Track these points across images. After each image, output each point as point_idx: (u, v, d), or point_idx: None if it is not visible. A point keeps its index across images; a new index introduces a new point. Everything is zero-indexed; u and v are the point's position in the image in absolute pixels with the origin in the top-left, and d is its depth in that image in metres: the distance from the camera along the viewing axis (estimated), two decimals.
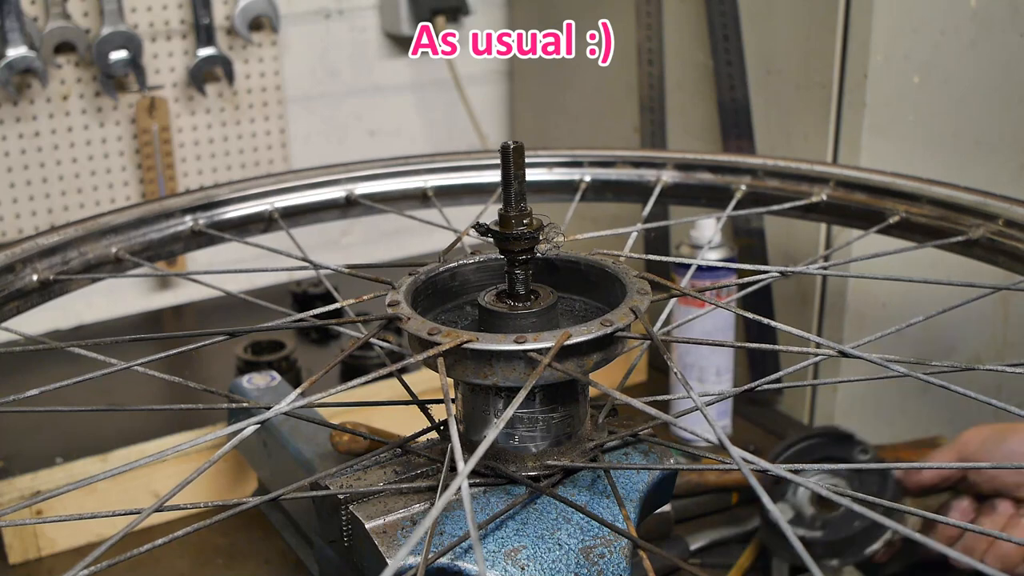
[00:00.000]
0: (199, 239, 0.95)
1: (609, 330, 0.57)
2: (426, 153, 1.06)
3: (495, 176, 1.03)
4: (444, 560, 0.55)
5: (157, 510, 0.50)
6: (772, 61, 1.26)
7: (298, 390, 0.55)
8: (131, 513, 0.54)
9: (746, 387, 0.66)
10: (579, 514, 0.59)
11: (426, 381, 1.11)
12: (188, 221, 0.94)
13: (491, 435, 0.48)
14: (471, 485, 0.60)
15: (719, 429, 0.50)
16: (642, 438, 0.65)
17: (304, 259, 0.84)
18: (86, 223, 0.88)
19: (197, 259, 1.62)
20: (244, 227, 0.97)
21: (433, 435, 0.65)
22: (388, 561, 0.56)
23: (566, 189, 1.04)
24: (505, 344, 0.56)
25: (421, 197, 1.03)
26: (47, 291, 0.84)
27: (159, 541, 0.50)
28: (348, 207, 1.01)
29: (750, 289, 0.77)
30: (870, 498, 0.49)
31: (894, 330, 0.68)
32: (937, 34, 1.16)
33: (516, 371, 0.57)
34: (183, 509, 0.53)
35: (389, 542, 0.57)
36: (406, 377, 0.62)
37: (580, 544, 0.58)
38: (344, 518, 0.59)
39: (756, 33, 1.28)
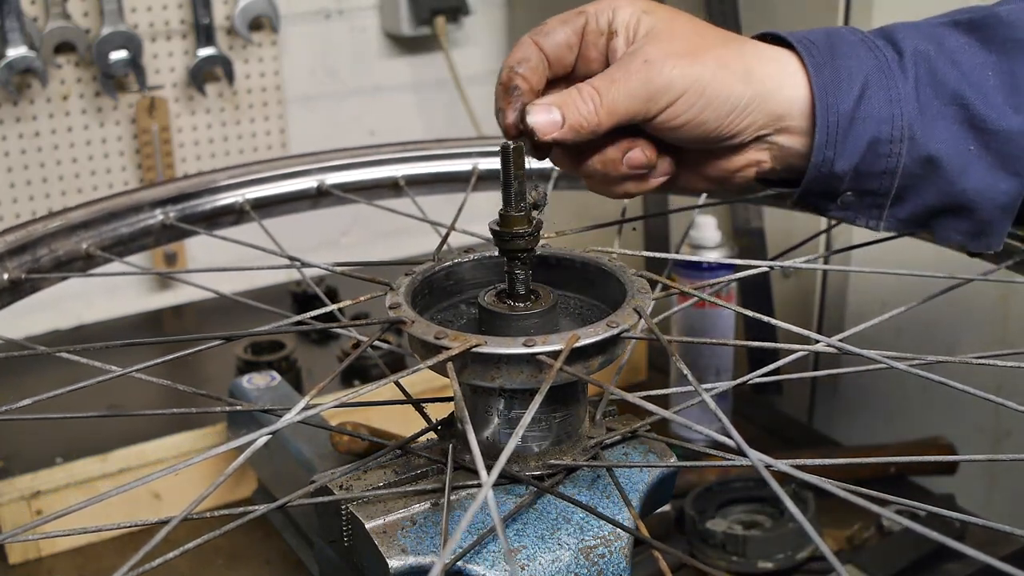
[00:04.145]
0: (170, 233, 0.93)
1: (616, 331, 0.57)
2: (397, 142, 1.05)
3: (467, 164, 1.03)
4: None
5: (188, 519, 0.49)
6: None
7: (307, 398, 0.54)
8: (134, 526, 0.54)
9: (744, 378, 0.66)
10: (579, 514, 0.59)
11: (424, 381, 1.11)
12: (159, 215, 0.92)
13: (511, 443, 0.48)
14: (479, 486, 0.60)
15: (728, 424, 0.50)
16: (641, 436, 0.65)
17: (289, 257, 0.83)
18: (54, 218, 0.86)
19: (197, 259, 1.62)
20: (215, 220, 0.96)
21: (431, 435, 0.65)
22: (389, 561, 0.56)
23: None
24: (515, 348, 0.56)
25: (393, 187, 1.02)
26: (18, 290, 0.82)
27: (171, 554, 0.49)
28: (319, 197, 1.00)
29: (734, 278, 0.76)
30: (859, 489, 0.49)
31: (876, 321, 0.68)
32: None
33: (523, 373, 0.57)
34: (192, 520, 0.52)
35: (389, 542, 0.57)
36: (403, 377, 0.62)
37: (580, 544, 0.58)
38: (344, 518, 0.59)
39: (756, 30, 1.27)
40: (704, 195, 0.94)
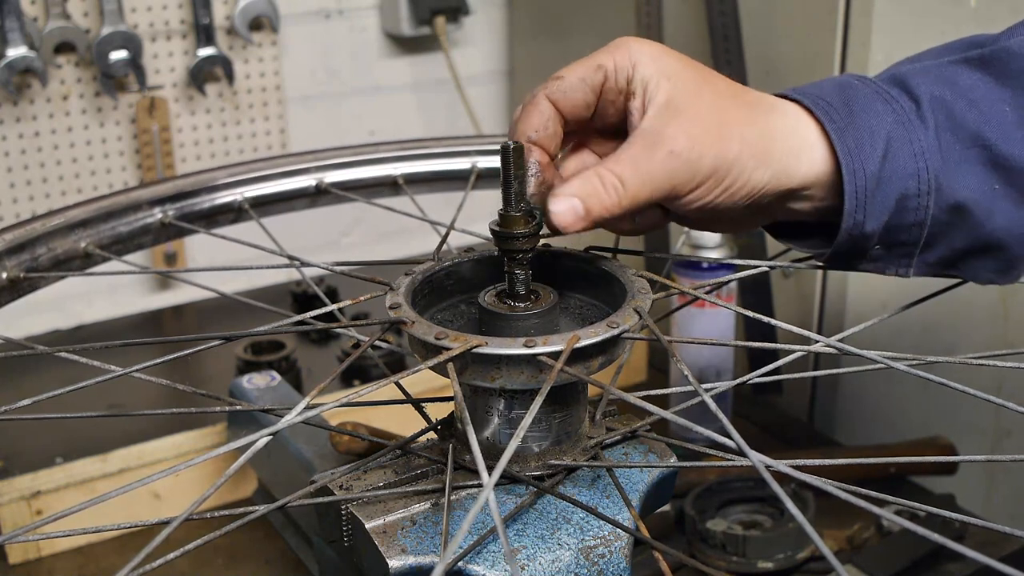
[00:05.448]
0: (168, 231, 0.93)
1: (616, 332, 0.57)
2: (396, 140, 1.05)
3: (466, 163, 1.03)
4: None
5: (188, 520, 0.49)
6: (772, 61, 1.26)
7: (307, 399, 0.54)
8: (134, 526, 0.53)
9: (744, 378, 0.66)
10: (579, 514, 0.59)
11: (424, 381, 1.11)
12: (157, 213, 0.92)
13: (513, 444, 0.48)
14: (480, 486, 0.60)
15: (728, 424, 0.50)
16: (641, 436, 0.65)
17: (289, 257, 0.83)
18: (52, 217, 0.86)
19: (197, 259, 1.62)
20: (214, 218, 0.96)
21: (431, 435, 0.65)
22: (389, 561, 0.56)
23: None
24: (515, 348, 0.56)
25: (391, 185, 1.02)
26: (16, 289, 0.82)
27: (172, 555, 0.49)
28: (318, 196, 1.00)
29: (734, 278, 0.76)
30: (859, 489, 0.49)
31: (876, 321, 0.68)
32: (937, 34, 1.16)
33: (523, 374, 0.57)
34: (193, 520, 0.52)
35: (389, 542, 0.57)
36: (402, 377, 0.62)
37: (580, 544, 0.58)
38: (344, 518, 0.59)
39: (756, 33, 1.28)
40: None
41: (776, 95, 0.67)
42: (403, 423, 0.74)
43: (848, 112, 0.63)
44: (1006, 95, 0.64)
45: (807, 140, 0.64)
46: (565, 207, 0.61)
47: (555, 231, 0.61)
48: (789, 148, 0.63)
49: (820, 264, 0.70)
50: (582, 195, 0.61)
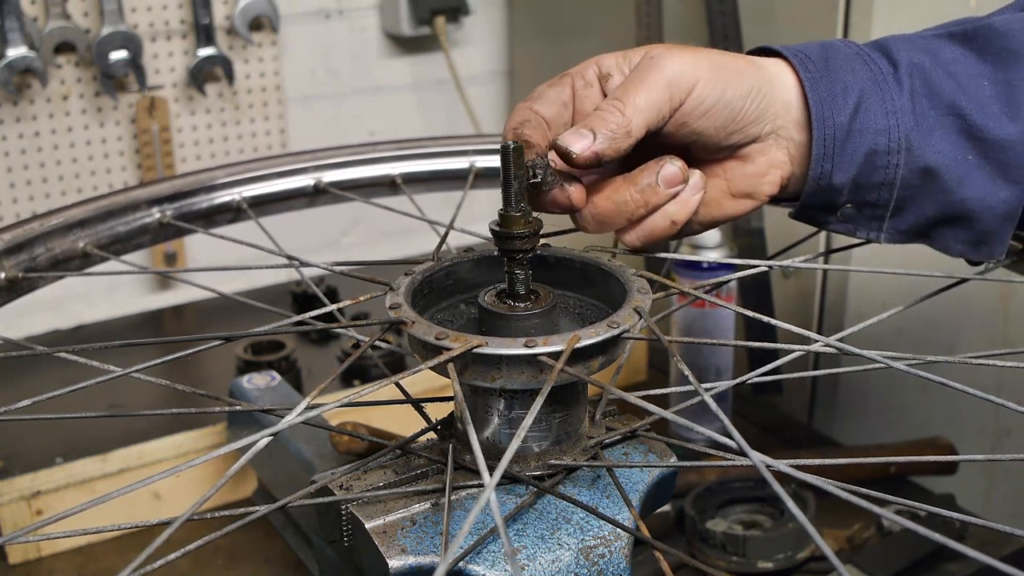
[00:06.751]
0: (167, 231, 0.93)
1: (617, 332, 0.57)
2: (394, 139, 1.05)
3: (464, 162, 1.03)
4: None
5: (189, 520, 0.49)
6: None
7: (308, 399, 0.54)
8: (135, 527, 0.53)
9: (744, 378, 0.66)
10: (579, 514, 0.59)
11: (424, 381, 1.11)
12: (155, 213, 0.92)
13: (514, 444, 0.48)
14: (480, 486, 0.60)
15: (729, 424, 0.50)
16: (641, 436, 0.65)
17: (288, 257, 0.83)
18: (51, 217, 0.86)
19: (197, 259, 1.62)
20: (212, 218, 0.96)
21: (431, 435, 0.65)
22: (389, 561, 0.56)
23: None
24: (515, 348, 0.56)
25: (390, 185, 1.02)
26: (15, 289, 0.82)
27: (173, 555, 0.49)
28: (316, 195, 1.00)
29: (734, 278, 0.76)
30: (859, 489, 0.49)
31: (875, 321, 0.68)
32: None
33: (524, 374, 0.57)
34: (193, 520, 0.52)
35: (389, 542, 0.57)
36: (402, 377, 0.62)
37: (580, 544, 0.58)
38: (344, 518, 0.59)
39: (756, 33, 1.28)
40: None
41: (759, 48, 0.68)
42: (403, 423, 0.74)
43: (825, 66, 0.65)
44: (986, 70, 0.65)
45: (781, 75, 0.65)
46: (572, 136, 0.61)
47: (568, 157, 0.61)
48: (772, 75, 0.65)
49: (820, 265, 0.70)
50: (583, 124, 0.62)
